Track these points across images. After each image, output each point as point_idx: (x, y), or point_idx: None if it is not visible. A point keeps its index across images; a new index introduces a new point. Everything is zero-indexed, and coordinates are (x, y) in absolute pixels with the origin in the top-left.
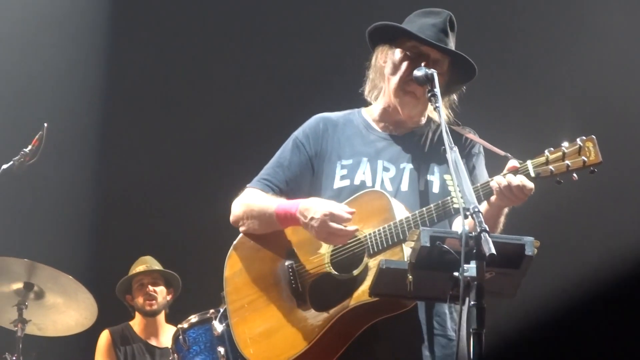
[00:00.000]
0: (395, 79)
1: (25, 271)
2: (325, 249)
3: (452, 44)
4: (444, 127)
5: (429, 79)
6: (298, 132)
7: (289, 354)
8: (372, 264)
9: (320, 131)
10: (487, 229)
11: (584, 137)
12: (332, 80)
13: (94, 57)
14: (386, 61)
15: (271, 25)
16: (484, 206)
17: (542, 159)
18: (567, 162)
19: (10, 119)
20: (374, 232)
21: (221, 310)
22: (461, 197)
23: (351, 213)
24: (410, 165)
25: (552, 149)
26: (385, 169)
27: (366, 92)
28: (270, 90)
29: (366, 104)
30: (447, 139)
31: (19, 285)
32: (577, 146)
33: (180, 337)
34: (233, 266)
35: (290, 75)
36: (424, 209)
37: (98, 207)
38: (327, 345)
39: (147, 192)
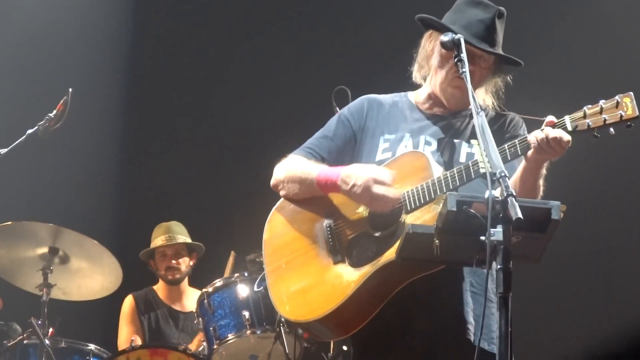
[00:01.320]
0: (442, 74)
1: (50, 236)
2: (364, 207)
3: (499, 37)
4: (470, 94)
5: (455, 45)
6: (344, 110)
7: (324, 309)
8: (409, 220)
9: (365, 109)
10: (514, 194)
11: (621, 94)
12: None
13: (120, 19)
14: (434, 50)
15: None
16: (522, 164)
17: (579, 114)
18: (604, 116)
19: (35, 83)
20: (412, 190)
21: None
22: (488, 162)
23: (392, 179)
24: (453, 140)
25: (590, 105)
26: (427, 143)
27: (414, 74)
28: (296, 63)
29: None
30: (473, 104)
31: (44, 249)
32: (615, 101)
33: (205, 300)
34: (272, 229)
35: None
36: (462, 165)
37: (122, 171)
38: (363, 301)
39: (173, 157)
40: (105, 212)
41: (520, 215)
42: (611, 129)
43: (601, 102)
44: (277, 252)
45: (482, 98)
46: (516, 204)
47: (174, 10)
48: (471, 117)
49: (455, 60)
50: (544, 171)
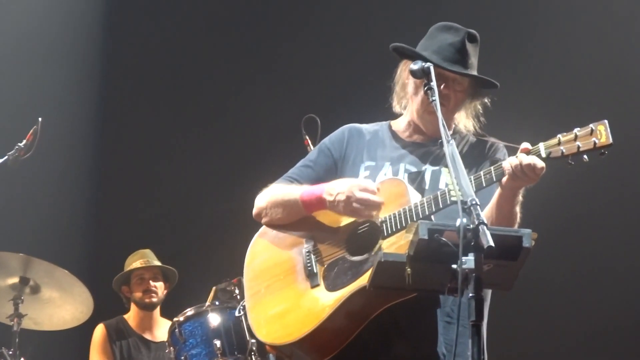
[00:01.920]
0: (417, 101)
1: (21, 266)
2: (343, 232)
3: (472, 60)
4: (440, 121)
5: (425, 73)
6: (325, 140)
7: (300, 332)
8: (385, 245)
9: (345, 138)
10: (485, 222)
11: (596, 122)
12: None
13: (89, 49)
14: (409, 78)
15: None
16: (497, 191)
17: (554, 141)
18: (578, 143)
19: (4, 113)
20: (390, 215)
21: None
22: (459, 190)
23: (376, 187)
24: (432, 167)
25: (564, 133)
26: (407, 171)
27: (394, 105)
28: (269, 87)
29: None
30: (443, 132)
31: (14, 279)
32: (589, 129)
33: (177, 330)
34: (254, 254)
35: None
36: (438, 192)
37: (93, 201)
38: (339, 325)
39: (142, 186)
40: (76, 241)
41: (491, 243)
42: (585, 156)
43: (576, 129)
44: (257, 277)
45: (463, 123)
46: (487, 232)
47: (145, 36)
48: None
49: (425, 88)
50: (519, 198)
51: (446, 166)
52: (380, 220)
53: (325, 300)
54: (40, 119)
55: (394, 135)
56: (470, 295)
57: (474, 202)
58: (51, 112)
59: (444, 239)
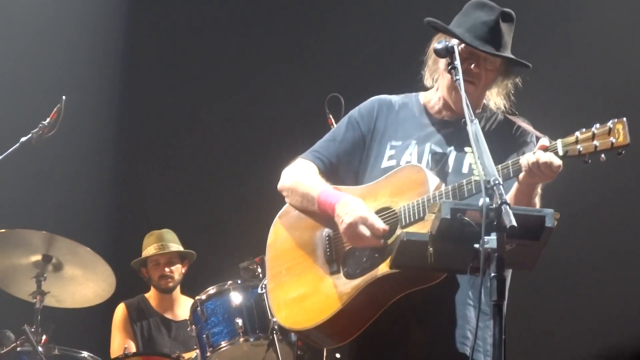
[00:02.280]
0: (448, 78)
1: (44, 243)
2: None
3: (505, 39)
4: (464, 101)
5: (449, 52)
6: (354, 111)
7: (317, 319)
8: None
9: (374, 111)
10: (508, 201)
11: (615, 120)
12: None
13: (113, 26)
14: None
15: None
16: (514, 185)
17: (572, 139)
18: (595, 142)
19: (28, 91)
20: (408, 205)
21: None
22: (482, 170)
23: (384, 230)
24: (457, 151)
25: (583, 129)
26: (433, 152)
27: (425, 78)
28: (294, 66)
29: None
30: (467, 111)
31: (37, 257)
32: (607, 128)
33: (198, 308)
34: (276, 233)
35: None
36: (456, 183)
37: (116, 179)
38: (356, 312)
39: (166, 165)
40: (99, 219)
41: (514, 222)
42: (602, 155)
43: (594, 127)
44: (279, 257)
45: (494, 100)
46: (510, 212)
47: (169, 19)
48: (480, 122)
49: (449, 67)
50: (538, 191)
51: (463, 150)
52: (398, 208)
53: (343, 288)
54: (64, 97)
55: (424, 109)
56: (493, 274)
57: (496, 182)
58: (75, 90)
59: (466, 218)
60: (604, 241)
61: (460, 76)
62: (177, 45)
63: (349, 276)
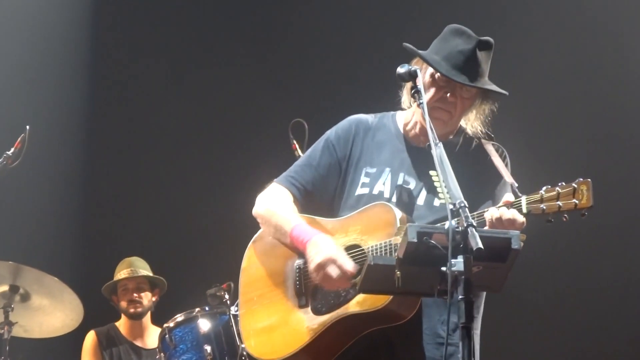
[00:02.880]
0: (423, 104)
1: (11, 274)
2: None
3: (482, 68)
4: (427, 124)
5: (412, 76)
6: (331, 133)
7: (284, 352)
8: None
9: (352, 134)
10: (474, 224)
11: (580, 179)
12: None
13: (77, 56)
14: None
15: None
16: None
17: (536, 197)
18: (559, 202)
19: None
20: (377, 245)
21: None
22: (447, 193)
23: (352, 272)
24: (431, 181)
25: (549, 187)
26: (406, 182)
27: (403, 101)
28: (253, 97)
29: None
30: (431, 135)
31: (4, 288)
32: (572, 188)
33: (167, 336)
34: (250, 259)
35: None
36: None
37: (82, 208)
38: (321, 348)
39: (132, 192)
40: (66, 248)
41: (480, 245)
42: (565, 216)
43: (559, 186)
44: (252, 283)
45: (471, 124)
46: (476, 234)
47: (132, 44)
48: (454, 149)
49: (412, 92)
50: None
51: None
52: (367, 247)
53: (310, 323)
54: (27, 127)
55: (401, 133)
56: (460, 297)
57: (462, 205)
58: (39, 120)
59: (433, 241)
60: (578, 254)
61: (423, 100)
62: (141, 73)
63: (317, 312)
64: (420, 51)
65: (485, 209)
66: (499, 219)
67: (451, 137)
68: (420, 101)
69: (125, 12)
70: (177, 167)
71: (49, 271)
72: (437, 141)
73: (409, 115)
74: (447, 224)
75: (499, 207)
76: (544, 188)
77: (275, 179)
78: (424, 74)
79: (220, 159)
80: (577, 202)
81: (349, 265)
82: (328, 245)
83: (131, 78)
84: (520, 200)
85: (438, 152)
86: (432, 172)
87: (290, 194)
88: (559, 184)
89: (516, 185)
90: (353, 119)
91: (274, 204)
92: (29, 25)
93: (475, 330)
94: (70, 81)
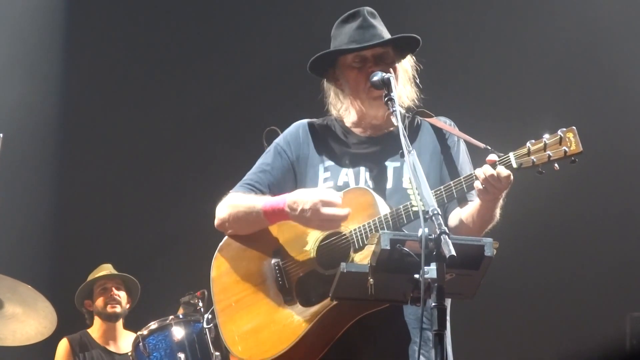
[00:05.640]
0: (359, 93)
1: None
2: (311, 245)
3: (383, 31)
4: (401, 131)
5: (385, 84)
6: (279, 139)
7: (277, 349)
8: (358, 258)
9: (300, 137)
10: (447, 231)
11: (564, 129)
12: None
13: (50, 61)
14: (341, 84)
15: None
16: (474, 205)
17: (524, 150)
18: (548, 152)
19: None
20: (359, 228)
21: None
22: (420, 200)
23: (338, 198)
24: (393, 164)
25: (533, 140)
26: (369, 169)
27: (334, 115)
28: (235, 92)
29: None
30: (404, 142)
31: None
32: (558, 137)
33: (140, 343)
34: (219, 267)
35: (256, 76)
36: (408, 202)
37: (55, 215)
38: (315, 339)
39: (104, 200)
40: (38, 256)
41: (453, 252)
42: (556, 165)
43: (544, 137)
44: (226, 290)
45: (402, 91)
46: (449, 242)
47: (106, 46)
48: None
49: (386, 99)
50: (500, 202)
51: (398, 164)
52: (349, 231)
53: (300, 316)
54: (0, 134)
55: (347, 130)
56: (433, 304)
57: (435, 212)
58: (12, 125)
59: (406, 249)
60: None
61: (397, 107)
62: (115, 79)
63: (307, 303)
64: (324, 51)
65: (471, 173)
66: (485, 180)
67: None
68: (394, 109)
69: (98, 11)
70: (151, 173)
71: (21, 279)
72: (411, 149)
73: (351, 113)
74: (420, 232)
75: (483, 168)
76: (530, 141)
77: (230, 190)
78: (343, 76)
79: (194, 165)
80: (566, 149)
81: (334, 196)
82: (305, 193)
83: (104, 82)
84: (509, 156)
85: (411, 159)
86: (404, 179)
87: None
88: (544, 135)
89: (490, 148)
90: (298, 123)
91: (235, 201)
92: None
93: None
94: (42, 86)
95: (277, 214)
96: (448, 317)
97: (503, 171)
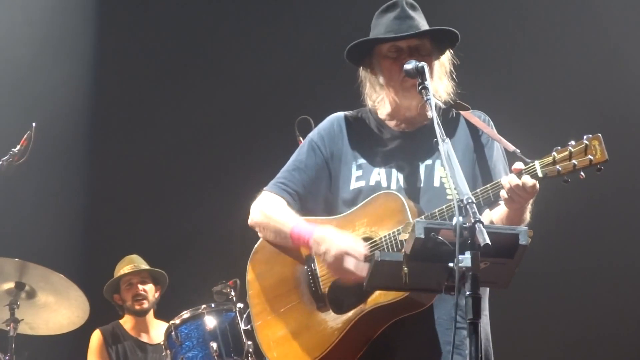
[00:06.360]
0: (393, 83)
1: (17, 271)
2: None
3: (422, 23)
4: (435, 119)
5: (419, 72)
6: (313, 134)
7: (311, 356)
8: None
9: (334, 132)
10: (481, 220)
11: (590, 136)
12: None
13: (83, 53)
14: (376, 73)
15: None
16: (503, 209)
17: (549, 159)
18: (574, 161)
19: None
20: (389, 234)
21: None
22: (455, 188)
23: (364, 255)
24: (425, 162)
25: (559, 148)
26: (400, 168)
27: (369, 105)
28: (258, 93)
29: None
30: (438, 130)
31: (10, 285)
32: (584, 145)
33: (173, 332)
34: (255, 269)
35: (280, 75)
36: (437, 210)
37: (88, 205)
38: (348, 346)
39: (137, 190)
40: (71, 246)
41: (488, 241)
42: (582, 173)
43: (570, 145)
44: (261, 294)
45: (438, 85)
46: (484, 230)
47: (136, 44)
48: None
49: (420, 88)
50: (528, 207)
51: (439, 158)
52: (379, 237)
53: (333, 323)
54: (34, 124)
55: (382, 123)
56: (468, 293)
57: (470, 200)
58: (45, 117)
59: (440, 237)
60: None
61: (431, 96)
62: (146, 76)
63: (338, 310)
64: (360, 40)
65: (497, 181)
66: (511, 189)
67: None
68: (428, 97)
69: (129, 13)
70: (183, 163)
71: (55, 268)
72: (444, 137)
73: (383, 110)
74: (454, 220)
75: (509, 177)
76: (555, 149)
77: (265, 188)
78: (378, 66)
79: (225, 156)
80: (592, 158)
81: (360, 251)
82: (335, 237)
83: (135, 76)
84: (534, 165)
85: (445, 148)
86: (439, 168)
87: (283, 200)
88: (569, 143)
89: (519, 151)
90: (333, 117)
91: (269, 209)
92: (32, 24)
93: (484, 312)
94: (75, 79)
95: (302, 243)
96: (487, 312)
97: (529, 181)
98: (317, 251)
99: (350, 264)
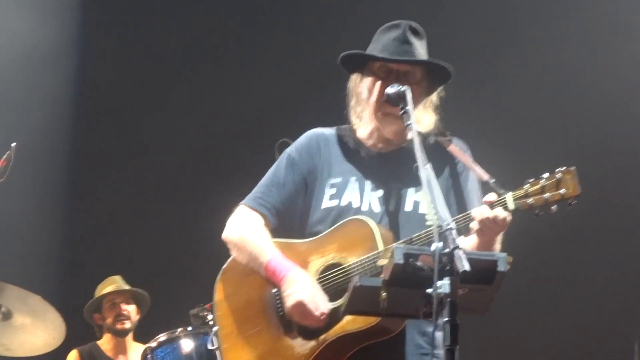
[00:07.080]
0: (372, 103)
1: None
2: (310, 277)
3: (419, 51)
4: (416, 145)
5: (400, 97)
6: (291, 149)
7: None
8: None
9: (312, 148)
10: (460, 246)
11: (563, 169)
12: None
13: (62, 71)
14: (362, 87)
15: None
16: (473, 239)
17: (521, 192)
18: (546, 195)
19: None
20: (358, 261)
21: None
22: (434, 214)
23: (324, 314)
24: (399, 185)
25: (531, 180)
26: (374, 189)
27: (351, 120)
28: (239, 117)
29: None
30: (419, 155)
31: None
32: (556, 179)
33: (149, 356)
34: (223, 290)
35: (269, 90)
36: (415, 235)
37: (66, 226)
38: None
39: (117, 210)
40: (49, 267)
41: (467, 267)
42: (553, 207)
43: (543, 178)
44: (229, 315)
45: (422, 116)
46: (463, 256)
47: (118, 64)
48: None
49: (401, 113)
50: (499, 238)
51: (414, 185)
52: (348, 264)
53: (301, 349)
54: (13, 144)
55: (359, 143)
56: (445, 319)
57: (449, 227)
58: (25, 137)
59: (419, 263)
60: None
61: (412, 121)
62: (129, 94)
63: (306, 336)
64: (356, 51)
65: (468, 212)
66: (488, 219)
67: (409, 139)
68: (409, 122)
69: (112, 31)
70: (162, 185)
71: (32, 289)
72: (426, 162)
73: (363, 128)
74: (434, 246)
75: (480, 209)
76: (528, 182)
77: (242, 202)
78: (365, 80)
79: (205, 178)
80: (563, 192)
81: (323, 306)
82: (304, 284)
83: (118, 95)
84: (505, 197)
85: (426, 173)
86: (419, 194)
87: (261, 217)
88: (542, 176)
89: (493, 181)
90: (311, 133)
91: (247, 230)
92: (12, 42)
93: None
94: (55, 96)
95: (275, 279)
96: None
97: (500, 213)
98: (284, 290)
99: (307, 313)
